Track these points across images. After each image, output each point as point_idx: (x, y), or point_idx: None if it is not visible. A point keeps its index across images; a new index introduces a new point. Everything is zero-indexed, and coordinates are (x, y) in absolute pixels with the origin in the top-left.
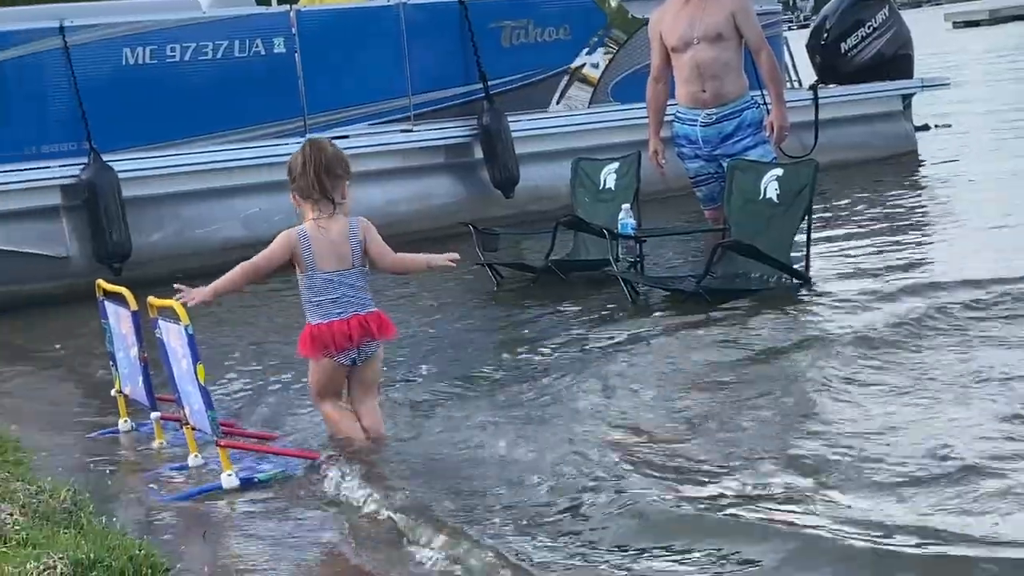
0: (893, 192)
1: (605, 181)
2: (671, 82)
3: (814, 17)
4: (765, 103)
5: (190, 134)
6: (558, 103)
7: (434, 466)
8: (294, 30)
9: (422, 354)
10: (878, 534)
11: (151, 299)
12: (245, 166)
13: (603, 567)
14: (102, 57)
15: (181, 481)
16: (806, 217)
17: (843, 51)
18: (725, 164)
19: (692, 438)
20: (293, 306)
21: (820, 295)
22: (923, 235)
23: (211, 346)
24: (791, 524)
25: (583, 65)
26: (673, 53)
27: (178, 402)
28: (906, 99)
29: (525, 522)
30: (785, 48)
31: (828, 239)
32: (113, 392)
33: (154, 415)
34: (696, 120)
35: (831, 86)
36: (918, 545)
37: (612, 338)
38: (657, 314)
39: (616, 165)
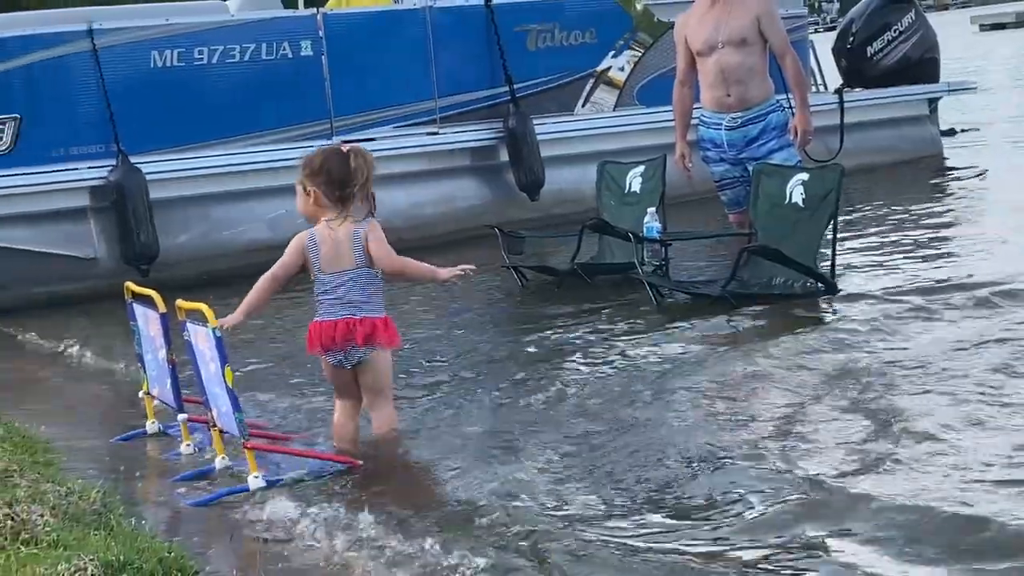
0: (919, 196)
1: (631, 185)
2: (696, 86)
3: (840, 20)
4: (790, 107)
5: (217, 136)
6: (584, 106)
7: (447, 472)
8: (321, 33)
9: (444, 356)
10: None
11: (180, 302)
12: (272, 168)
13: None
14: (130, 60)
15: (208, 483)
16: (832, 222)
17: (869, 55)
18: (750, 168)
19: (722, 446)
20: None
21: (846, 300)
22: (950, 239)
23: (237, 348)
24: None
25: (609, 68)
26: (698, 57)
27: (206, 404)
28: (932, 103)
29: (526, 535)
30: (811, 52)
31: (854, 243)
32: (141, 394)
33: (181, 417)
34: (721, 124)
35: (857, 90)
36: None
37: (637, 342)
38: (682, 318)
39: (642, 169)
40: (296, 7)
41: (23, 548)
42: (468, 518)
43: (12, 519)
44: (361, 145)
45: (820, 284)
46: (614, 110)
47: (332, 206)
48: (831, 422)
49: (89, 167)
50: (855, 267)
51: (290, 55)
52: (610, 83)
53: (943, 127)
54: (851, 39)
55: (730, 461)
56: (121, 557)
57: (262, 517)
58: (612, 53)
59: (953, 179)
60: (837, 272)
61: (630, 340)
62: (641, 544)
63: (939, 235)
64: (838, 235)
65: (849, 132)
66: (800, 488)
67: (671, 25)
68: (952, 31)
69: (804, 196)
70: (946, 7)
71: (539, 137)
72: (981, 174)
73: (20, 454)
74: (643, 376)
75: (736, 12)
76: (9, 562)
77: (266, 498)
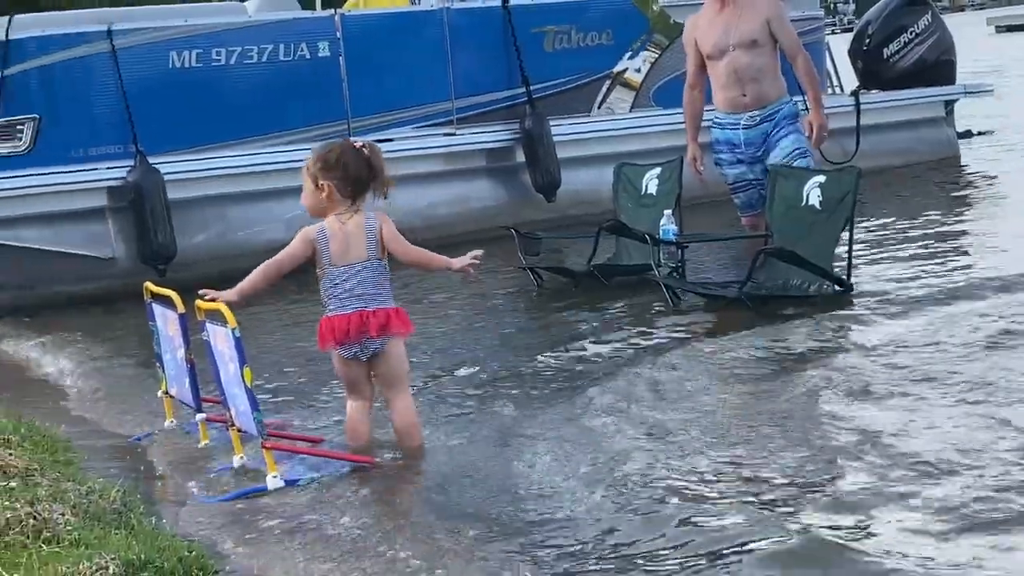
0: (935, 198)
1: (647, 186)
2: (706, 89)
3: (856, 22)
4: (805, 108)
5: (235, 137)
6: (600, 107)
7: (464, 471)
8: (339, 34)
9: (459, 355)
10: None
11: (199, 302)
12: (289, 169)
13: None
14: (149, 60)
15: (226, 482)
16: (848, 224)
17: (885, 56)
18: (767, 165)
19: (736, 450)
20: None
21: (862, 302)
22: (966, 242)
23: (257, 347)
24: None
25: (625, 70)
26: (708, 60)
27: (224, 404)
28: (948, 105)
29: (555, 537)
30: (827, 53)
31: (870, 246)
32: (159, 393)
33: (199, 416)
34: (738, 124)
35: (873, 92)
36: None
37: (653, 344)
38: (698, 320)
39: (658, 171)
40: (314, 8)
41: (45, 547)
42: (482, 520)
43: (34, 518)
44: (374, 144)
45: (836, 286)
46: (630, 111)
47: (343, 201)
48: (848, 431)
49: (107, 167)
50: (871, 269)
51: (308, 56)
52: (627, 84)
53: (959, 129)
54: (867, 41)
55: (744, 468)
56: (142, 556)
57: (281, 516)
58: (629, 54)
59: (969, 181)
60: (852, 274)
61: (645, 342)
62: (650, 549)
63: (955, 236)
64: (854, 237)
65: (865, 134)
66: (818, 492)
67: None
68: (968, 33)
69: (821, 198)
70: (962, 8)
71: (555, 138)
72: (997, 176)
73: (41, 453)
74: (659, 379)
75: (746, 15)
76: (31, 561)
77: (284, 497)
